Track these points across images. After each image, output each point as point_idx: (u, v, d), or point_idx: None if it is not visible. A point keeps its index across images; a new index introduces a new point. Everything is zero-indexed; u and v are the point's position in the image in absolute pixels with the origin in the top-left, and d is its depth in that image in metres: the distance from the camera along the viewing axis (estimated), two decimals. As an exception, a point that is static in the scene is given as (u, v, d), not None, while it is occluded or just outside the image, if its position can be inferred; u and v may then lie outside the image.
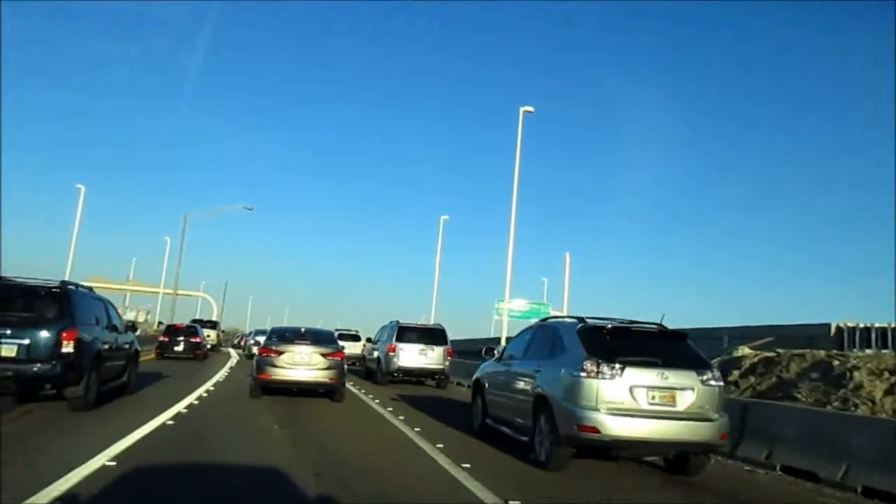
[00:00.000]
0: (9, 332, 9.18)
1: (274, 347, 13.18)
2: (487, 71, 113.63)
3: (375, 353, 20.98)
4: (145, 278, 71.24)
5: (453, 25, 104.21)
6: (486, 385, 9.89)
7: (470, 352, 27.46)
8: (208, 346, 31.27)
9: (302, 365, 13.01)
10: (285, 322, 75.37)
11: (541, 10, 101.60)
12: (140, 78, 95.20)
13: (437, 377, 19.52)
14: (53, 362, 9.26)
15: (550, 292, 55.26)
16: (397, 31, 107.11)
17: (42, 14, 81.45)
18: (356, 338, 33.72)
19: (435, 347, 19.27)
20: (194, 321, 35.07)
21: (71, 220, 40.40)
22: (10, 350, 9.14)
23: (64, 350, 9.36)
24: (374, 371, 21.01)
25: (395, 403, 14.03)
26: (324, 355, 13.16)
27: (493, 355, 10.09)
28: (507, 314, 31.44)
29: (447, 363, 19.43)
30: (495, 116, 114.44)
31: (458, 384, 20.95)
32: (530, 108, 27.71)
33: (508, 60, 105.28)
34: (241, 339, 49.90)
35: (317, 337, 13.97)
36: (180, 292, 78.49)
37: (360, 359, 31.45)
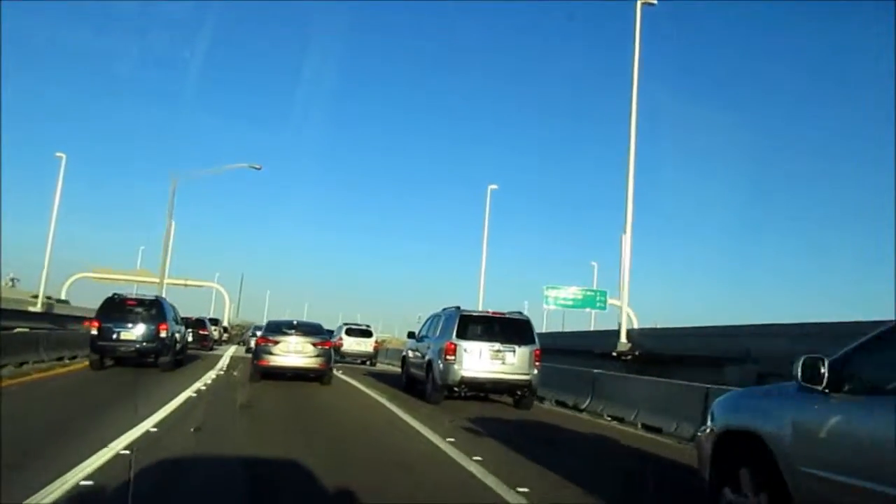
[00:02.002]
0: (130, 325, 15.51)
1: (270, 338, 15.14)
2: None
3: (422, 355, 14.58)
4: (154, 269, 66.14)
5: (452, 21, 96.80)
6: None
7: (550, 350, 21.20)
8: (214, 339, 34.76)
9: (294, 353, 14.97)
10: (304, 316, 79.73)
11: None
12: (143, 74, 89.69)
13: (519, 392, 13.30)
14: (155, 343, 15.55)
15: (599, 279, 49.36)
16: (407, 21, 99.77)
17: (42, 11, 76.67)
18: (367, 333, 30.12)
19: (517, 348, 12.95)
20: (198, 320, 35.60)
21: (74, 212, 35.99)
22: (131, 335, 15.45)
23: (161, 335, 15.62)
24: (418, 380, 14.86)
25: (483, 445, 8.22)
26: (314, 345, 15.12)
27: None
28: (626, 302, 23.87)
29: (535, 371, 13.07)
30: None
31: (544, 399, 14.87)
32: (652, 0, 21.20)
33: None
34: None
35: (307, 329, 15.94)
36: (190, 282, 74.25)
37: (372, 356, 29.47)
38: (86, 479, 5.13)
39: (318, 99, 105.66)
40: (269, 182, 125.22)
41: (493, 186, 39.22)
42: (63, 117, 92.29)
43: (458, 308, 13.79)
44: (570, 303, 36.30)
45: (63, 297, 58.13)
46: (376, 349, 30.45)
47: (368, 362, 29.01)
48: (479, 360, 12.87)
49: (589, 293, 36.91)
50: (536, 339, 13.48)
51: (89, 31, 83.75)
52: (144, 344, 15.46)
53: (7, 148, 79.58)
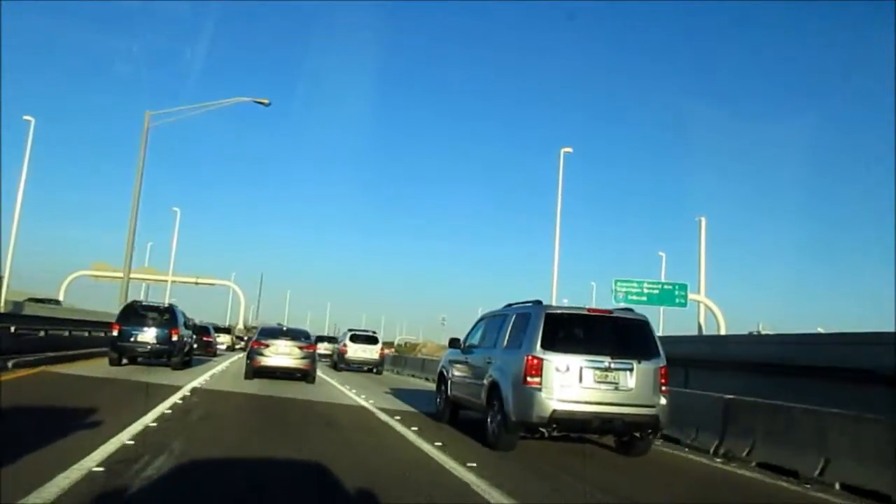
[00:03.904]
0: (146, 329, 17.56)
1: (262, 341, 17.33)
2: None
3: (478, 374, 9.96)
4: (162, 267, 61.96)
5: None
6: None
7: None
8: (218, 346, 35.03)
9: (283, 355, 17.09)
10: (326, 319, 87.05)
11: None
12: (144, 74, 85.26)
13: (641, 433, 8.74)
14: (167, 345, 17.62)
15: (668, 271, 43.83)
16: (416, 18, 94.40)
17: (42, 11, 73.26)
18: (373, 339, 28.68)
19: (635, 364, 8.45)
20: (202, 327, 35.67)
21: (74, 214, 31.98)
22: (147, 338, 17.47)
23: (173, 339, 17.68)
24: (467, 405, 10.47)
25: None
26: (300, 348, 17.27)
27: None
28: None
29: (663, 401, 8.51)
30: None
31: (675, 443, 10.11)
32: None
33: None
34: None
35: (295, 334, 18.24)
36: (201, 280, 69.93)
37: (378, 364, 28.16)
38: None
39: (332, 99, 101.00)
40: (282, 181, 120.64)
41: (567, 149, 32.41)
42: (63, 117, 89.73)
43: (540, 303, 9.29)
44: (644, 298, 30.81)
45: (61, 297, 53.67)
46: (382, 356, 29.42)
47: (374, 370, 27.99)
48: (578, 385, 8.31)
49: (667, 287, 31.32)
50: (661, 351, 8.85)
51: (89, 31, 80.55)
52: (158, 346, 17.56)
53: (6, 148, 76.27)
